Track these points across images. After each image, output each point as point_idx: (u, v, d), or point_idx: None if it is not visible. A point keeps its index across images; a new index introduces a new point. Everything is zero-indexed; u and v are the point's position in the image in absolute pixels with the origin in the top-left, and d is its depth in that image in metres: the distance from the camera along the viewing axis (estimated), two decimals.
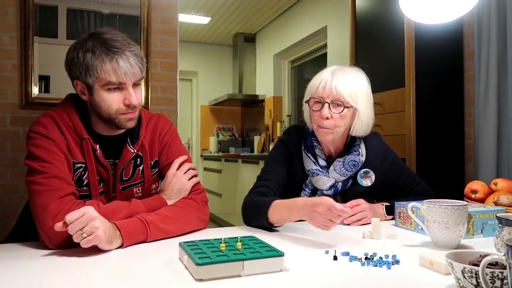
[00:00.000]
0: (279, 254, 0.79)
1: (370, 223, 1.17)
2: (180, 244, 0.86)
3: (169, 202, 1.16)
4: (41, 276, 0.79)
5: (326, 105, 1.26)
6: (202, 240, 0.88)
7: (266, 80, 5.29)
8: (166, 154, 1.25)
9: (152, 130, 1.24)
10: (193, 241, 0.87)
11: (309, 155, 1.34)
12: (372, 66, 2.66)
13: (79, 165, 1.11)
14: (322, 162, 1.33)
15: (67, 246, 0.96)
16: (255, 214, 1.18)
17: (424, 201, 1.02)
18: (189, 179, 1.22)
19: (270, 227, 1.15)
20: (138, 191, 1.21)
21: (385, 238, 1.08)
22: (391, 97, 2.44)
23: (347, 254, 0.90)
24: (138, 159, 1.20)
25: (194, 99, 6.15)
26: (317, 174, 1.31)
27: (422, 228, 1.06)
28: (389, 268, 0.81)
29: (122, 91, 1.09)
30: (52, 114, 1.12)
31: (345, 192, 1.35)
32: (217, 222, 5.09)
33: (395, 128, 2.37)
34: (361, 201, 1.24)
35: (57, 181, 1.02)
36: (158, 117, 1.28)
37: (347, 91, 1.25)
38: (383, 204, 1.30)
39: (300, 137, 1.40)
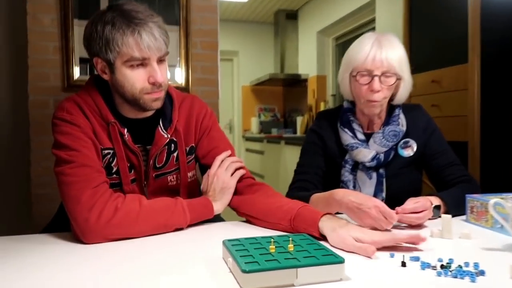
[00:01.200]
0: (339, 260, 0.67)
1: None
2: (223, 242, 0.77)
3: (215, 204, 1.07)
4: (75, 269, 0.72)
5: (376, 78, 1.19)
6: (247, 238, 0.78)
7: (309, 58, 5.08)
8: (207, 141, 1.16)
9: (187, 113, 1.14)
10: (238, 240, 0.77)
11: (346, 130, 1.29)
12: (429, 40, 2.42)
13: (106, 151, 1.03)
14: (361, 136, 1.28)
15: (103, 239, 0.90)
16: None
17: (510, 195, 0.87)
18: (232, 174, 1.12)
19: None
20: (172, 179, 1.13)
21: (457, 238, 0.93)
22: (452, 74, 2.20)
23: (417, 259, 0.77)
24: (172, 144, 1.11)
25: (235, 79, 6.06)
26: (357, 147, 1.25)
27: (501, 226, 0.90)
28: (473, 280, 0.67)
29: (146, 68, 0.99)
30: (75, 98, 1.05)
31: (388, 164, 1.26)
32: None
33: (456, 108, 2.14)
34: (421, 199, 1.06)
35: (87, 170, 0.95)
36: (192, 99, 1.18)
37: (397, 61, 1.20)
38: (431, 202, 1.09)
39: (330, 119, 1.36)
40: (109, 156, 1.04)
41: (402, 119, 1.29)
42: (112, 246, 0.88)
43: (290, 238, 0.75)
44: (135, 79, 0.98)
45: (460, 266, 0.72)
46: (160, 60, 1.01)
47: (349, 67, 1.25)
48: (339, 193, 1.05)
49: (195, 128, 1.15)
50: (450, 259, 0.76)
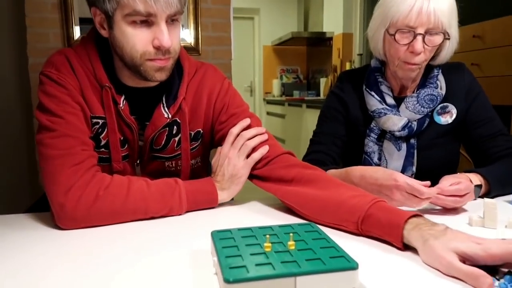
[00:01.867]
0: (351, 266, 0.52)
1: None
2: (212, 234, 0.63)
3: (221, 193, 0.89)
4: (50, 254, 0.63)
5: (419, 38, 0.97)
6: (241, 229, 0.64)
7: (335, 15, 4.74)
8: (226, 124, 0.96)
9: (195, 91, 0.95)
10: (229, 231, 0.63)
11: (373, 93, 1.11)
12: None
13: (96, 120, 0.88)
14: (390, 100, 1.10)
15: (80, 227, 0.78)
16: None
17: None
18: (247, 157, 0.91)
19: None
20: (171, 165, 0.96)
21: (503, 227, 0.76)
22: (496, 27, 1.92)
23: None
24: (175, 126, 0.93)
25: (256, 39, 5.79)
26: (385, 114, 1.07)
27: None
28: None
29: (151, 28, 0.80)
30: (67, 52, 0.88)
31: (421, 134, 1.08)
32: None
33: (502, 68, 1.88)
34: (461, 177, 0.88)
35: (70, 141, 0.81)
36: (205, 71, 0.98)
37: (447, 15, 0.97)
38: (472, 181, 0.91)
39: (355, 80, 1.18)
40: (98, 126, 0.88)
41: (441, 81, 1.09)
42: (90, 230, 0.77)
43: (291, 233, 0.60)
44: (136, 40, 0.80)
45: (510, 273, 0.56)
46: (172, 20, 0.82)
47: (386, 22, 1.02)
48: (357, 170, 0.89)
49: (205, 110, 0.96)
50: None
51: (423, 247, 0.61)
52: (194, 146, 0.98)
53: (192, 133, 0.96)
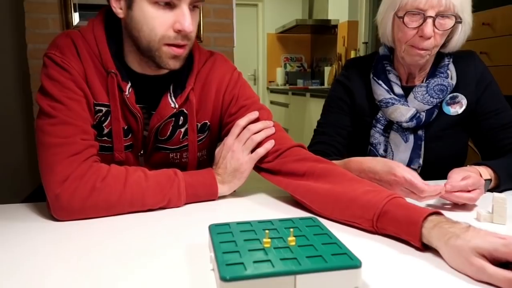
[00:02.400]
0: (354, 264, 0.49)
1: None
2: (209, 228, 0.60)
3: (221, 187, 0.86)
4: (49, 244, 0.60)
5: (429, 21, 0.93)
6: (240, 223, 0.61)
7: (340, 2, 4.65)
8: (236, 116, 0.92)
9: (204, 81, 0.92)
10: (227, 225, 0.61)
11: (380, 82, 1.07)
12: None
13: (99, 107, 0.84)
14: (398, 90, 1.07)
15: (75, 218, 0.75)
16: None
17: None
18: (251, 152, 0.88)
19: None
20: (175, 157, 0.93)
21: None
22: (506, 15, 1.86)
23: None
24: (181, 117, 0.90)
25: (260, 26, 5.71)
26: (392, 104, 1.04)
27: None
28: None
29: (173, 11, 0.77)
30: (73, 35, 0.84)
31: (429, 125, 1.05)
32: None
33: (510, 56, 1.83)
34: (471, 171, 0.84)
35: (70, 129, 0.77)
36: (214, 61, 0.94)
37: None
38: (481, 175, 0.87)
39: (361, 68, 1.14)
40: (101, 114, 0.85)
41: (451, 71, 1.05)
42: (86, 223, 0.74)
43: (292, 228, 0.57)
44: (157, 22, 0.77)
45: None
46: (193, 6, 0.80)
47: (395, 4, 0.98)
48: (354, 163, 0.86)
49: (214, 102, 0.92)
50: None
51: (445, 248, 0.57)
52: (200, 138, 0.95)
53: (199, 125, 0.93)
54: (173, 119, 0.89)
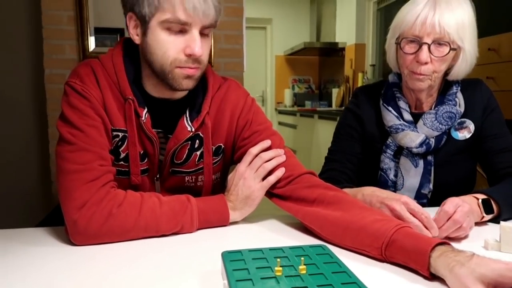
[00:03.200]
0: None
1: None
2: (222, 255, 0.62)
3: (233, 213, 0.88)
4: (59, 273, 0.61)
5: (425, 47, 0.97)
6: (252, 251, 0.63)
7: (347, 25, 4.73)
8: (248, 140, 0.95)
9: (218, 105, 0.95)
10: (240, 253, 0.63)
11: (390, 108, 1.09)
12: (486, 2, 2.09)
13: (116, 133, 0.87)
14: (408, 116, 1.09)
15: (92, 243, 0.78)
16: None
17: None
18: (262, 179, 0.90)
19: None
20: (190, 180, 0.95)
21: None
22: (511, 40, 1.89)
23: None
24: (197, 140, 0.92)
25: (268, 49, 5.81)
26: (402, 130, 1.06)
27: None
28: None
29: (184, 36, 0.81)
30: (93, 63, 0.88)
31: (438, 151, 1.07)
32: None
33: None
34: (455, 201, 0.82)
35: (88, 156, 0.80)
36: (228, 86, 0.97)
37: (454, 27, 0.96)
38: (477, 198, 0.90)
39: (371, 95, 1.17)
40: (117, 139, 0.88)
41: (459, 98, 1.08)
42: (103, 248, 0.77)
43: (302, 256, 0.59)
44: (169, 46, 0.81)
45: None
46: (203, 33, 0.83)
47: (396, 32, 1.04)
48: (368, 189, 0.88)
49: (228, 126, 0.95)
50: None
51: (450, 276, 0.58)
52: (215, 161, 0.97)
53: (214, 148, 0.95)
54: (189, 142, 0.92)
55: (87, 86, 0.85)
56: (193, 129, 0.90)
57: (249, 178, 0.89)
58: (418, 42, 0.98)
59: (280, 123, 5.50)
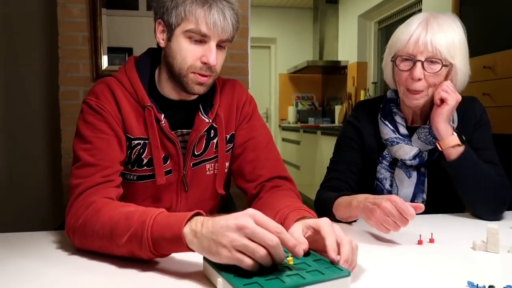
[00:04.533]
0: (344, 274, 0.58)
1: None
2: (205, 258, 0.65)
3: (187, 235, 0.65)
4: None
5: (418, 64, 1.04)
6: None
7: (350, 44, 4.86)
8: (246, 129, 1.07)
9: (228, 98, 1.06)
10: None
11: (387, 122, 1.16)
12: (482, 20, 2.19)
13: (137, 141, 0.96)
14: (403, 130, 1.15)
15: (77, 243, 0.80)
16: (323, 211, 1.06)
17: None
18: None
19: (340, 221, 1.03)
20: (210, 168, 1.05)
21: (506, 251, 0.80)
22: (507, 58, 1.98)
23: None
24: (212, 131, 1.03)
25: (272, 67, 5.94)
26: (397, 143, 1.13)
27: None
28: None
29: (203, 46, 0.92)
30: (108, 80, 0.97)
31: (431, 163, 1.12)
32: None
33: (510, 98, 1.92)
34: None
35: (91, 170, 0.86)
36: (234, 83, 1.10)
37: (444, 46, 1.04)
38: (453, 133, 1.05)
39: (370, 109, 1.23)
40: (139, 147, 0.96)
41: (454, 114, 1.13)
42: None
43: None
44: (188, 53, 0.92)
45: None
46: (220, 46, 0.94)
47: (392, 52, 1.12)
48: (361, 196, 0.94)
49: (236, 115, 1.07)
50: (491, 286, 0.63)
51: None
52: (228, 148, 1.07)
53: (228, 136, 1.06)
54: (206, 133, 1.02)
55: (102, 101, 0.94)
56: (209, 121, 1.01)
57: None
58: (412, 59, 1.05)
59: (283, 140, 5.58)
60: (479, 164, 1.05)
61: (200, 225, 0.63)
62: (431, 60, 1.04)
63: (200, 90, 0.95)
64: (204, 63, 0.92)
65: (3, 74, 2.15)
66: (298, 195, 1.00)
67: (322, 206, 1.08)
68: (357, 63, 4.68)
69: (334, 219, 1.01)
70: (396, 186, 1.15)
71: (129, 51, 2.04)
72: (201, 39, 0.91)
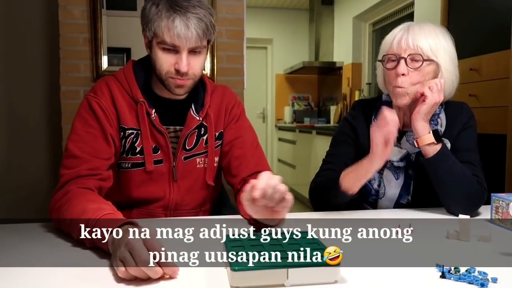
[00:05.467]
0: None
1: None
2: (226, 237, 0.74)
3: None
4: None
5: (402, 61, 1.12)
6: (250, 239, 0.74)
7: (345, 45, 4.94)
8: (234, 129, 1.18)
9: (218, 101, 1.18)
10: (240, 239, 0.74)
11: None
12: (469, 24, 2.27)
13: (130, 131, 1.07)
14: None
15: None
16: (326, 190, 1.14)
17: None
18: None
19: (344, 197, 1.09)
20: (200, 162, 1.16)
21: (476, 240, 0.87)
22: (492, 61, 2.06)
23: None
24: (203, 128, 1.14)
25: (269, 67, 6.00)
26: None
27: None
28: (483, 286, 0.63)
29: (176, 55, 1.02)
30: (107, 79, 1.11)
31: (419, 165, 1.17)
32: (291, 193, 5.01)
33: (496, 99, 2.00)
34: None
35: (75, 162, 0.99)
36: (224, 88, 1.22)
37: (425, 43, 1.11)
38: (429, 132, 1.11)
39: (366, 110, 1.28)
40: (132, 136, 1.08)
41: (442, 119, 1.19)
42: None
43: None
44: (163, 61, 1.03)
45: (468, 271, 0.67)
46: (194, 51, 1.03)
47: (381, 54, 1.20)
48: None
49: (224, 116, 1.18)
50: (456, 267, 0.70)
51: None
52: (217, 144, 1.18)
53: (216, 134, 1.17)
54: (197, 130, 1.13)
55: (99, 97, 1.06)
56: (200, 119, 1.12)
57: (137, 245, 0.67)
58: (396, 58, 1.13)
59: (280, 139, 5.64)
60: (455, 164, 1.10)
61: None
62: (413, 58, 1.11)
63: (180, 91, 1.06)
64: (177, 70, 1.02)
65: (6, 74, 2.21)
66: None
67: (323, 186, 1.15)
68: (352, 64, 4.75)
69: (331, 205, 1.11)
70: (384, 186, 1.21)
71: (127, 51, 2.11)
72: (173, 48, 1.01)
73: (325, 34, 5.33)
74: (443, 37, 1.14)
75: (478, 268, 0.68)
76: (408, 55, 1.11)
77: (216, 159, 1.18)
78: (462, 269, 0.68)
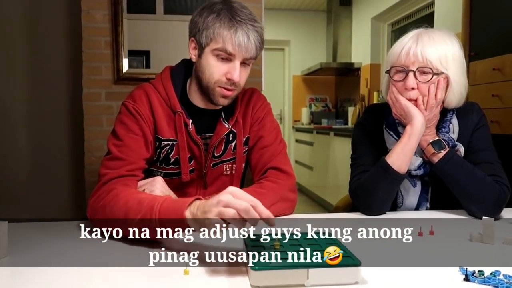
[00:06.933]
0: (354, 263, 0.64)
1: None
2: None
3: (187, 213, 0.77)
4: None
5: (411, 74, 1.09)
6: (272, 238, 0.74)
7: (363, 46, 4.89)
8: (257, 128, 1.18)
9: (245, 105, 1.19)
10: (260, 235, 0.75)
11: (391, 133, 1.19)
12: (491, 23, 2.22)
13: (166, 142, 1.09)
14: None
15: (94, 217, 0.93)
16: (375, 180, 1.11)
17: None
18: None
19: (398, 178, 1.10)
20: (227, 168, 1.17)
21: (500, 243, 0.85)
22: None
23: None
24: (231, 135, 1.15)
25: (286, 69, 6.00)
26: None
27: None
28: None
29: (228, 64, 1.03)
30: (145, 87, 1.11)
31: (435, 174, 1.14)
32: (308, 195, 5.00)
33: None
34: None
35: (118, 163, 1.00)
36: (252, 91, 1.22)
37: (435, 56, 1.08)
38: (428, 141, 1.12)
39: (379, 116, 1.25)
40: (167, 147, 1.10)
41: (454, 125, 1.17)
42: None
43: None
44: (215, 69, 1.03)
45: (493, 274, 0.66)
46: (244, 63, 1.05)
47: (388, 64, 1.16)
48: None
49: (250, 118, 1.18)
50: (480, 270, 0.69)
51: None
52: (245, 150, 1.18)
53: (244, 139, 1.18)
54: (225, 137, 1.14)
55: (138, 105, 1.07)
56: (229, 126, 1.14)
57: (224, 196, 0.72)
58: (405, 70, 1.09)
59: (297, 141, 5.63)
60: (465, 166, 1.09)
61: (196, 208, 0.75)
62: (422, 70, 1.08)
63: (224, 102, 1.07)
64: (229, 79, 1.03)
65: (31, 77, 2.28)
66: (282, 188, 1.09)
67: (370, 184, 1.11)
68: (370, 65, 4.71)
69: (380, 200, 1.10)
70: (402, 194, 1.18)
71: (147, 54, 2.14)
72: (227, 57, 1.02)
73: (343, 35, 5.30)
74: (451, 45, 1.11)
75: (503, 272, 0.67)
76: (417, 68, 1.08)
77: (243, 165, 1.20)
78: (487, 272, 0.66)
